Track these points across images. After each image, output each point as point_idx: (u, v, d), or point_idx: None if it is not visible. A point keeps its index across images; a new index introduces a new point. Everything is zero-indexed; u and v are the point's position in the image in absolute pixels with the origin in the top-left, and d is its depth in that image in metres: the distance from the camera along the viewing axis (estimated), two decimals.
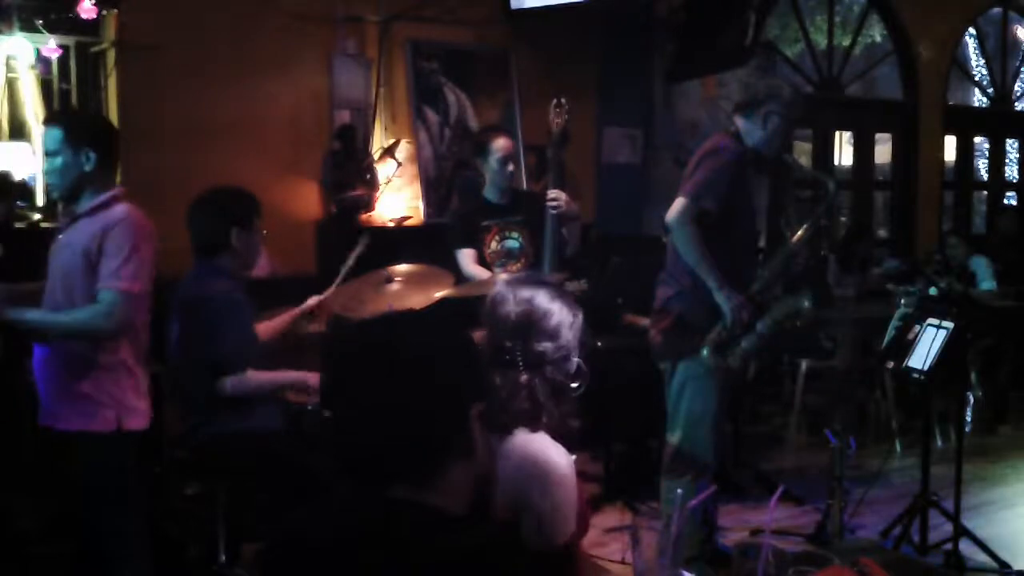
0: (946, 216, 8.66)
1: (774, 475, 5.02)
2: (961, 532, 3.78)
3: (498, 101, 6.10)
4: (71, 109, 4.79)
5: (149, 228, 2.84)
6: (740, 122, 3.60)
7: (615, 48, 6.39)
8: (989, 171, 9.24)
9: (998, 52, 8.90)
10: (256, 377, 3.12)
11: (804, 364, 5.65)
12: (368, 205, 5.46)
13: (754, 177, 3.65)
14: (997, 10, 8.76)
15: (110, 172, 2.89)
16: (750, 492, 4.74)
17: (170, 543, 3.52)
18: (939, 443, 5.44)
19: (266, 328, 3.45)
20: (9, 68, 4.81)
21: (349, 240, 3.91)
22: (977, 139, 9.11)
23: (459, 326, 1.50)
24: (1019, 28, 9.45)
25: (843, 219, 8.18)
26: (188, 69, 5.03)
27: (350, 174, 5.38)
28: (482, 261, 4.18)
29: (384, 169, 5.56)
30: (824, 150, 7.89)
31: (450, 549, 1.25)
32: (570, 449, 1.80)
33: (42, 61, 4.84)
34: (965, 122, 8.72)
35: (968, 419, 5.64)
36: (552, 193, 4.07)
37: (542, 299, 1.86)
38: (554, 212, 4.06)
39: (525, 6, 5.90)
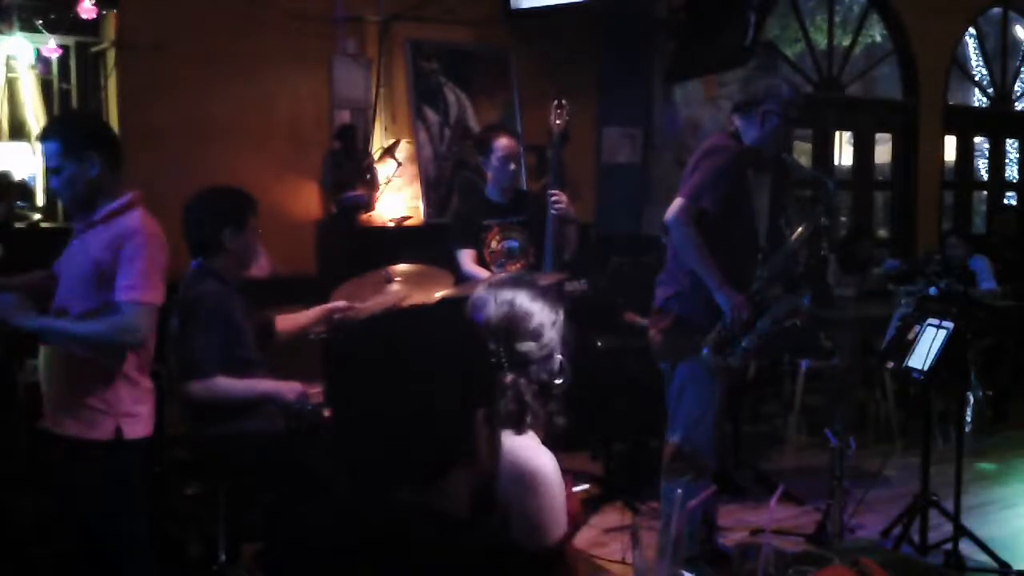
0: (946, 216, 8.65)
1: (774, 475, 5.02)
2: (961, 532, 3.78)
3: (498, 101, 6.09)
4: (63, 116, 4.67)
5: (162, 237, 2.78)
6: (739, 121, 3.60)
7: (615, 48, 6.38)
8: (989, 171, 9.23)
9: (998, 52, 8.89)
10: (226, 384, 3.05)
11: (804, 364, 5.66)
12: (368, 205, 5.45)
13: (754, 177, 3.64)
14: (997, 10, 8.76)
15: (117, 172, 2.78)
16: (750, 492, 4.74)
17: (170, 543, 3.52)
18: (939, 443, 5.45)
19: (290, 322, 3.43)
20: (9, 68, 4.80)
21: (349, 240, 3.90)
22: (977, 139, 9.09)
23: (468, 326, 1.49)
24: (1019, 28, 9.44)
25: (843, 219, 8.17)
26: (188, 69, 5.03)
27: (350, 174, 5.38)
28: (482, 261, 4.18)
29: (384, 169, 5.55)
30: (824, 150, 7.88)
31: (452, 552, 1.25)
32: (561, 448, 1.81)
33: (42, 61, 4.84)
34: (965, 122, 8.71)
35: (968, 419, 5.63)
36: (554, 194, 4.07)
37: (523, 300, 1.85)
38: (555, 212, 4.06)
39: (525, 6, 5.89)
